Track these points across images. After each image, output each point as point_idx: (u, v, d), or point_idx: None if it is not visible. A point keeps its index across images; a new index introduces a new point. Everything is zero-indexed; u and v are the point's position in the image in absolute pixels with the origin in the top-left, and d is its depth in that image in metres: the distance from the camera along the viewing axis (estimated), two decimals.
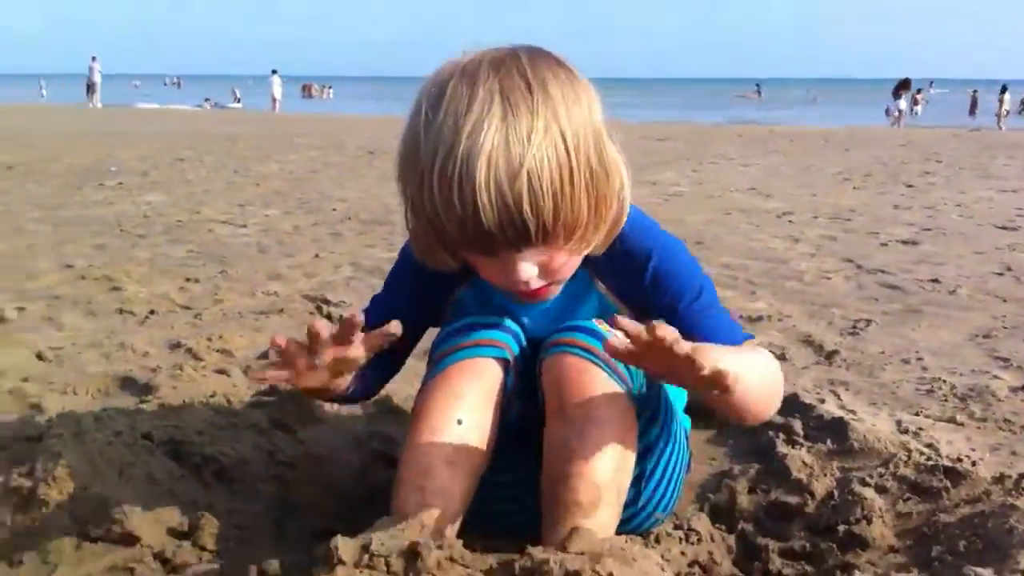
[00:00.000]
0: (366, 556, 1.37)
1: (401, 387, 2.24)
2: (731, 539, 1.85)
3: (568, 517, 1.52)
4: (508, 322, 1.69)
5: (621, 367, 1.61)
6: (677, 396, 1.92)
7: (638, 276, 1.64)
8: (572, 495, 1.52)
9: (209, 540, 1.73)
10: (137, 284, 3.94)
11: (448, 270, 1.61)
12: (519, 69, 1.41)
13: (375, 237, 5.53)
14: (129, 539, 1.68)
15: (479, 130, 1.35)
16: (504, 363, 1.65)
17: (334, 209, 6.83)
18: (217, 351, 2.95)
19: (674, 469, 1.82)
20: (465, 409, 1.58)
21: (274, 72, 36.76)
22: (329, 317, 3.46)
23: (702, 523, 1.84)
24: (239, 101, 42.69)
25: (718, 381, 1.32)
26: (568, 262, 1.53)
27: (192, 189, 8.01)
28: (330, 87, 65.09)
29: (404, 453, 1.59)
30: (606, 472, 1.54)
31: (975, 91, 40.70)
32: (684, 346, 1.27)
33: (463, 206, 1.36)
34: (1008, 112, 29.02)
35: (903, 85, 30.18)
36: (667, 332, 1.25)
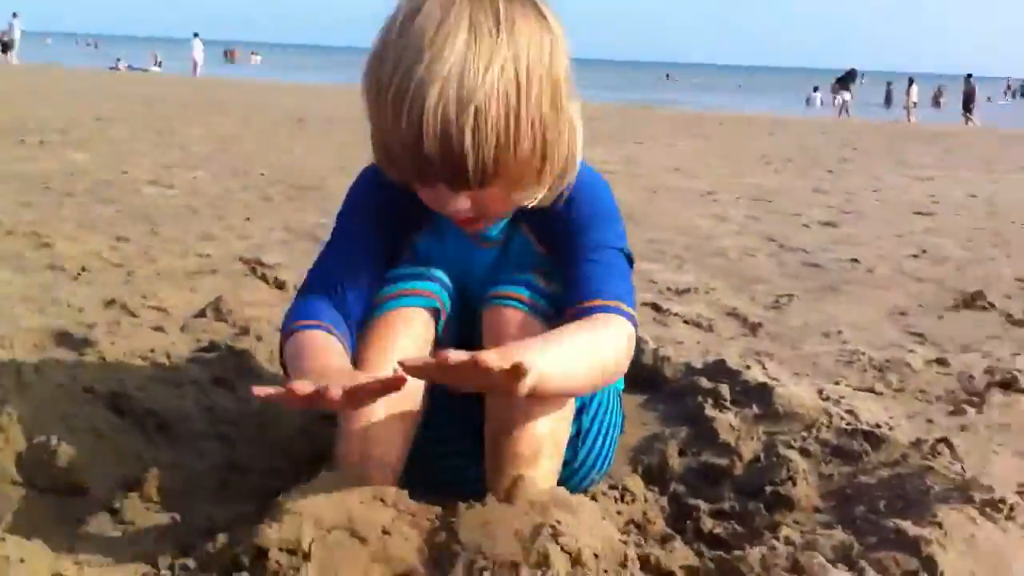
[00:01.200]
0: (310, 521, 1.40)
1: None
2: (663, 500, 1.91)
3: (511, 468, 1.55)
4: (437, 272, 1.70)
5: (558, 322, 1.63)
6: None
7: (566, 210, 1.66)
8: (514, 446, 1.55)
9: (156, 493, 1.75)
10: (67, 241, 3.88)
11: (405, 211, 1.66)
12: (494, 7, 1.43)
13: (306, 203, 5.52)
14: (77, 490, 1.70)
15: (438, 56, 1.37)
16: (434, 312, 1.67)
17: (262, 174, 6.78)
18: (152, 308, 2.94)
19: (608, 429, 1.87)
20: (399, 356, 1.58)
21: (195, 35, 36.00)
22: (264, 278, 3.46)
23: (636, 484, 1.90)
24: (159, 65, 41.69)
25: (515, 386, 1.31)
26: (503, 202, 1.55)
27: (117, 149, 7.87)
28: (258, 53, 63.98)
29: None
30: (546, 424, 1.57)
31: (889, 83, 41.62)
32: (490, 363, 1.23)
33: (409, 127, 1.39)
34: (916, 104, 29.72)
35: (849, 76, 30.77)
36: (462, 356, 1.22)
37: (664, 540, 1.70)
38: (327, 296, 1.69)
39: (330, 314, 1.65)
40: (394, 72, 1.40)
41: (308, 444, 2.10)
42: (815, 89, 40.64)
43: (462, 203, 1.50)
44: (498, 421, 1.59)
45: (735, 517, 1.85)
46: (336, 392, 1.28)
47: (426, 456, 1.67)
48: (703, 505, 1.90)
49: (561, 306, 1.64)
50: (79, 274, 3.36)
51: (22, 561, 1.40)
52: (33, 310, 2.87)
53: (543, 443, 1.57)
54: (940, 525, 1.54)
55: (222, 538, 1.47)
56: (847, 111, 29.19)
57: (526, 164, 1.48)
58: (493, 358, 1.24)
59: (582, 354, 1.51)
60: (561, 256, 1.69)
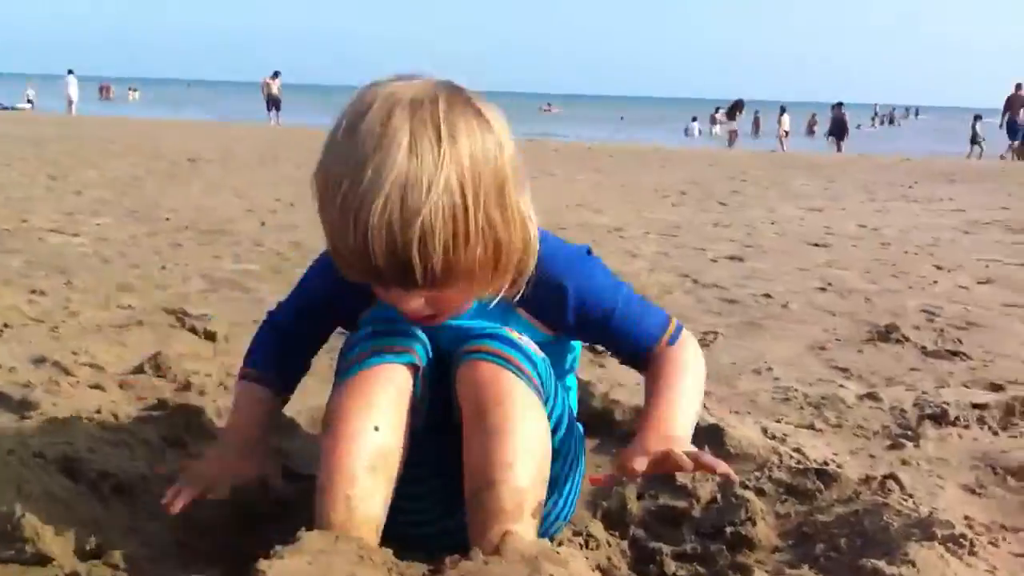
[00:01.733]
0: None
1: (291, 402, 2.25)
2: (624, 544, 1.94)
3: (496, 524, 1.56)
4: (416, 330, 1.72)
5: (533, 374, 1.67)
6: (572, 400, 2.01)
7: (560, 311, 1.73)
8: (498, 502, 1.57)
9: (120, 559, 1.71)
10: None
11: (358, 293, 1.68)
12: (433, 115, 1.44)
13: (219, 248, 5.45)
14: (42, 559, 1.66)
15: (380, 171, 1.39)
16: (413, 369, 1.69)
17: (167, 218, 6.67)
18: (86, 365, 2.88)
19: (574, 476, 1.91)
20: (380, 415, 1.61)
21: (70, 72, 35.14)
22: (193, 330, 3.40)
23: (598, 529, 1.93)
24: (31, 103, 40.35)
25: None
26: (458, 299, 1.59)
27: (9, 195, 7.64)
28: (135, 89, 62.61)
29: (322, 461, 1.60)
30: (528, 478, 1.59)
31: (756, 112, 42.84)
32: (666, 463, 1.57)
33: (355, 240, 1.41)
34: (788, 133, 30.56)
35: (736, 107, 31.56)
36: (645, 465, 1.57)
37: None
38: (285, 332, 1.95)
39: (278, 359, 1.90)
40: (340, 181, 1.42)
41: (267, 502, 2.08)
42: (693, 119, 41.68)
43: (415, 303, 1.54)
44: (480, 477, 1.59)
45: (697, 559, 1.88)
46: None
47: (399, 510, 1.67)
48: (665, 548, 1.93)
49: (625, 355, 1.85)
50: (1, 331, 3.26)
51: None
52: None
53: (526, 495, 1.59)
54: (913, 564, 1.60)
55: None
56: (734, 141, 29.94)
57: (479, 265, 1.50)
58: (684, 461, 1.54)
59: (696, 392, 1.79)
60: (585, 334, 1.86)
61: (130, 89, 61.76)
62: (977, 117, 28.73)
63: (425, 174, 1.39)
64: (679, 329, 1.81)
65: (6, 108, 34.69)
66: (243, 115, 36.33)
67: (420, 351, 1.71)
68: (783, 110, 31.51)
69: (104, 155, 12.87)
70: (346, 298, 1.78)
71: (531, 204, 1.59)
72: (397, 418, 1.64)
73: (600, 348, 3.28)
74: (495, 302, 1.70)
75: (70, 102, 33.91)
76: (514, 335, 1.70)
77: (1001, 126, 25.09)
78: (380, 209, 1.38)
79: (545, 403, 1.69)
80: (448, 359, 1.72)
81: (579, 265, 1.76)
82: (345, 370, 1.69)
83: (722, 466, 1.55)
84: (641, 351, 1.79)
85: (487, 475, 1.58)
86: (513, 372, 1.64)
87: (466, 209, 1.43)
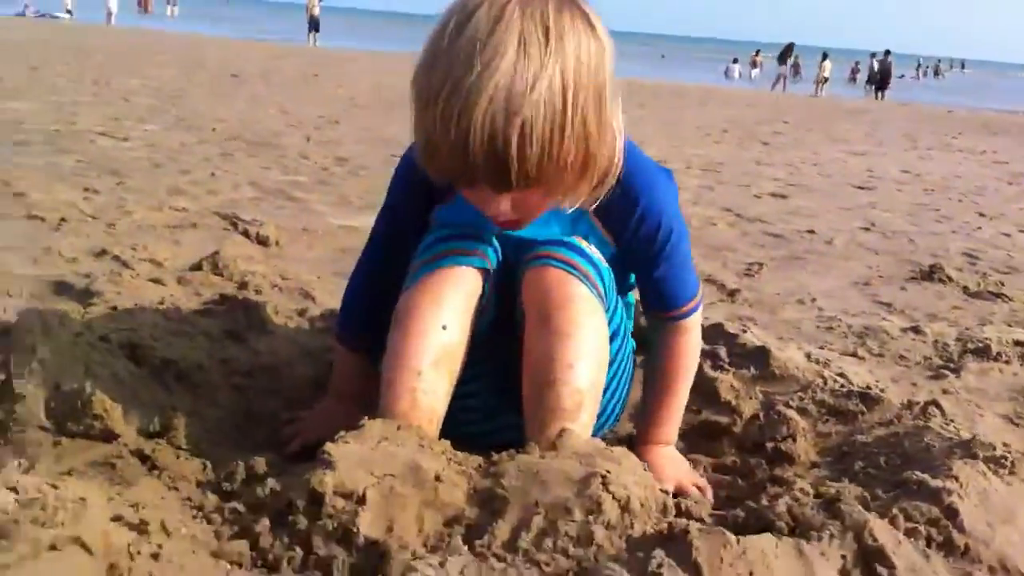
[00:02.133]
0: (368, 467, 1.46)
1: None
2: None
3: (554, 421, 1.61)
4: (487, 234, 1.76)
5: (599, 282, 1.72)
6: (629, 316, 2.06)
7: (624, 222, 1.76)
8: (558, 400, 1.62)
9: (183, 440, 1.78)
10: (39, 192, 3.83)
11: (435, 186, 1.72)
12: (543, 15, 1.46)
13: (268, 159, 5.50)
14: (108, 435, 1.72)
15: (488, 68, 1.41)
16: (484, 272, 1.73)
17: (214, 129, 6.71)
18: (145, 260, 2.94)
19: (624, 385, 1.97)
20: (449, 315, 1.66)
21: None
22: (246, 234, 3.47)
23: None
24: (70, 12, 40.14)
25: None
26: (543, 204, 1.61)
27: (59, 99, 7.70)
28: (175, 3, 62.22)
29: (390, 354, 1.66)
30: (587, 379, 1.64)
31: (796, 56, 42.23)
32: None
33: (456, 135, 1.43)
34: (827, 79, 30.03)
35: (787, 50, 31.15)
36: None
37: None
38: (374, 277, 1.97)
39: (371, 319, 1.89)
40: (444, 81, 1.43)
41: (320, 395, 2.15)
42: (734, 61, 41.12)
43: (504, 205, 1.56)
44: (541, 375, 1.64)
45: (737, 472, 1.94)
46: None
47: (457, 407, 1.72)
48: (704, 460, 1.99)
49: (643, 300, 1.89)
50: (60, 224, 3.33)
51: (83, 500, 1.42)
52: (24, 259, 2.85)
53: (585, 396, 1.64)
54: (956, 478, 1.64)
55: (272, 483, 1.51)
56: (784, 84, 29.50)
57: (569, 171, 1.52)
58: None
59: (682, 394, 1.94)
60: (636, 263, 1.85)
61: (169, 3, 61.36)
62: None
63: (531, 73, 1.42)
64: (699, 305, 1.89)
65: (44, 15, 34.60)
66: (281, 34, 36.19)
67: (491, 255, 1.75)
68: (825, 56, 31.03)
69: (148, 65, 12.89)
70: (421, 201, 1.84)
71: (621, 118, 1.62)
72: (464, 318, 1.69)
73: None
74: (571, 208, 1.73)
75: (109, 13, 33.77)
76: (583, 244, 1.74)
77: None
78: (485, 105, 1.40)
79: (606, 312, 1.74)
80: (515, 263, 1.76)
81: (659, 188, 1.79)
82: (417, 270, 1.73)
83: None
84: (662, 308, 1.86)
85: (549, 374, 1.63)
86: (579, 278, 1.68)
87: (565, 111, 1.45)
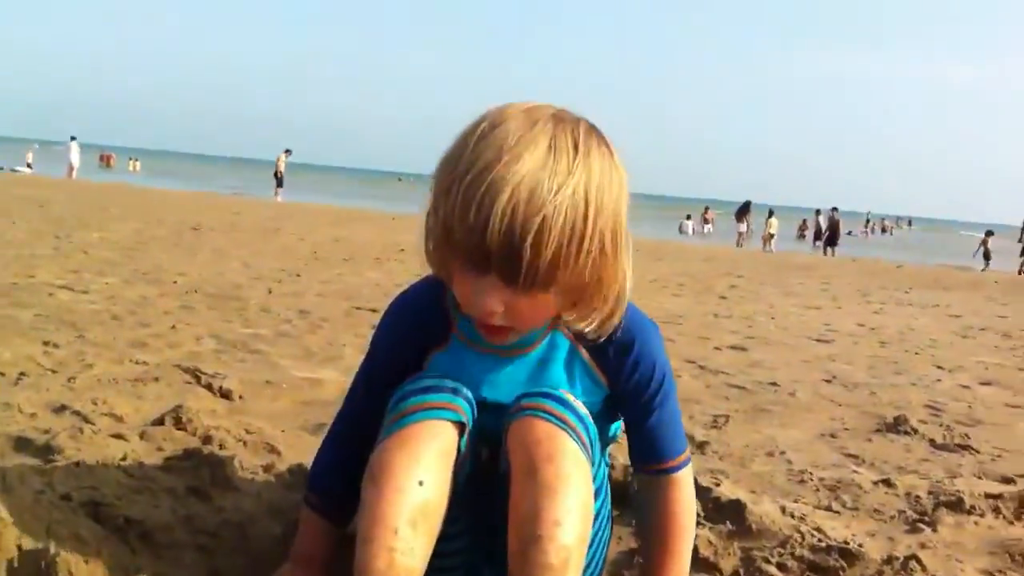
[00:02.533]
0: None
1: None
2: None
3: None
4: (463, 388, 1.74)
5: (585, 436, 1.69)
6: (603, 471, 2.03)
7: (619, 364, 1.77)
8: (544, 557, 1.56)
9: None
10: None
11: (431, 332, 1.75)
12: (574, 131, 1.53)
13: (229, 312, 5.47)
14: None
15: (519, 160, 1.46)
16: (460, 426, 1.70)
17: (175, 281, 6.69)
18: (106, 415, 2.88)
19: (605, 542, 1.93)
20: (425, 471, 1.61)
21: (73, 138, 35.52)
22: (209, 388, 3.42)
23: None
24: (30, 166, 40.46)
25: None
26: (535, 315, 1.61)
27: (17, 252, 7.66)
28: (136, 160, 63.07)
29: (365, 512, 1.60)
30: (574, 535, 1.59)
31: (747, 202, 43.51)
32: None
33: (476, 217, 1.45)
34: (773, 236, 30.82)
35: (745, 208, 31.96)
36: None
37: None
38: (350, 436, 1.91)
39: (343, 476, 1.85)
40: (471, 168, 1.48)
41: (287, 553, 2.09)
42: (687, 217, 42.18)
43: (497, 304, 1.55)
44: (528, 530, 1.59)
45: None
46: None
47: (434, 567, 1.66)
48: None
49: (631, 448, 1.86)
50: (19, 379, 3.27)
51: None
52: None
53: (572, 553, 1.60)
54: None
55: None
56: (742, 242, 30.11)
57: (577, 284, 1.55)
58: None
59: (687, 556, 1.86)
60: (628, 408, 1.83)
61: (131, 159, 62.15)
62: (989, 233, 29.17)
63: (559, 175, 1.47)
64: (690, 459, 1.88)
65: (2, 169, 34.82)
66: (242, 189, 36.65)
67: (466, 409, 1.72)
68: (771, 213, 31.94)
69: (107, 219, 12.94)
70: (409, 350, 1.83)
71: (630, 261, 1.65)
72: (442, 474, 1.65)
73: None
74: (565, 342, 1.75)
75: (71, 168, 34.14)
76: (569, 397, 1.72)
77: (1020, 240, 26.46)
78: (509, 194, 1.44)
79: (591, 466, 1.72)
80: (495, 418, 1.74)
81: (651, 333, 1.82)
82: (391, 424, 1.70)
83: None
84: (658, 459, 1.83)
85: (536, 530, 1.58)
86: (567, 432, 1.66)
87: (586, 222, 1.49)
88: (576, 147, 1.51)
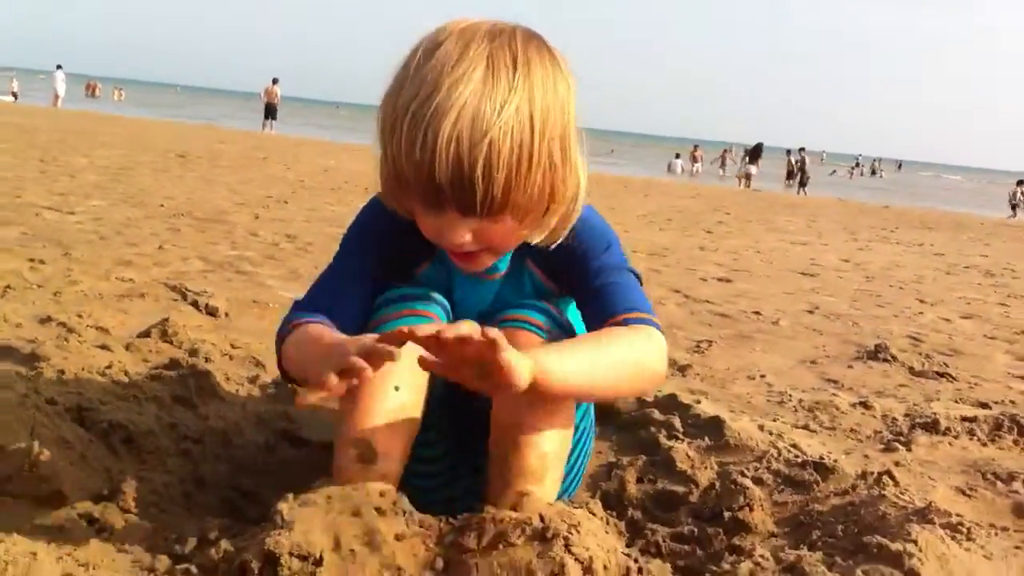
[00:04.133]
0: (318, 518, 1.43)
1: None
2: (621, 525, 1.95)
3: (519, 483, 1.60)
4: (436, 294, 1.75)
5: None
6: None
7: (570, 256, 1.72)
8: (523, 462, 1.60)
9: (132, 504, 1.74)
10: None
11: (409, 243, 1.70)
12: (511, 44, 1.49)
13: (216, 235, 5.47)
14: (56, 497, 1.68)
15: (457, 87, 1.42)
16: None
17: (162, 205, 6.69)
18: (92, 327, 2.90)
19: (584, 455, 1.95)
20: (401, 376, 1.62)
21: (59, 67, 35.12)
22: (195, 305, 3.43)
23: (597, 508, 1.96)
24: (14, 95, 39.87)
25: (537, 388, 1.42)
26: (505, 237, 1.59)
27: (2, 174, 7.63)
28: (121, 89, 62.34)
29: (344, 416, 1.62)
30: (554, 443, 1.63)
31: (724, 150, 43.32)
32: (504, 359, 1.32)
33: (422, 153, 1.42)
34: (750, 175, 30.61)
35: (757, 150, 31.77)
36: (478, 332, 1.32)
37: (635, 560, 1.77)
38: (320, 310, 1.71)
39: (323, 319, 1.68)
40: (411, 101, 1.44)
41: (270, 461, 2.12)
42: (676, 156, 41.96)
43: (464, 235, 1.53)
44: (509, 438, 1.62)
45: (694, 541, 1.91)
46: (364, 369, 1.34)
47: (415, 473, 1.69)
48: (662, 529, 1.97)
49: (588, 325, 1.71)
50: (4, 291, 3.28)
51: (35, 556, 1.39)
52: None
53: (550, 460, 1.63)
54: (916, 543, 1.64)
55: (226, 544, 1.48)
56: (748, 183, 29.96)
57: (533, 201, 1.52)
58: (468, 329, 1.32)
59: (606, 353, 1.58)
60: (575, 284, 1.74)
61: (115, 89, 61.41)
62: (1020, 182, 28.79)
63: (499, 97, 1.43)
64: (660, 328, 1.70)
65: None
66: (231, 121, 36.33)
67: (439, 313, 1.73)
68: (747, 152, 31.85)
69: (93, 145, 12.84)
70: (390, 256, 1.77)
71: (584, 159, 1.61)
72: (418, 380, 1.65)
73: None
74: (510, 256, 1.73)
75: (56, 97, 33.77)
76: (551, 307, 1.73)
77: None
78: (451, 125, 1.40)
79: None
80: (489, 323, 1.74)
81: (596, 219, 1.77)
82: (369, 332, 1.71)
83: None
84: (610, 314, 1.66)
85: (516, 437, 1.61)
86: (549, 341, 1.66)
87: (533, 137, 1.46)
88: (515, 61, 1.47)
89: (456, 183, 1.44)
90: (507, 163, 1.44)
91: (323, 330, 1.60)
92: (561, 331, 1.70)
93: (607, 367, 1.58)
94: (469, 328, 1.33)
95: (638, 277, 1.78)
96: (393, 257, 1.78)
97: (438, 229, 1.55)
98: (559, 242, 1.69)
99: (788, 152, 32.12)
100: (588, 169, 1.64)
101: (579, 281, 1.72)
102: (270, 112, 30.26)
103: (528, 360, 1.39)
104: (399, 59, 1.53)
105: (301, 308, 1.73)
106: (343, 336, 1.53)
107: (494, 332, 1.32)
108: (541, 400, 1.59)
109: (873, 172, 65.86)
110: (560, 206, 1.59)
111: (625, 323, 1.64)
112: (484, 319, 1.72)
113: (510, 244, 1.65)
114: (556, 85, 1.52)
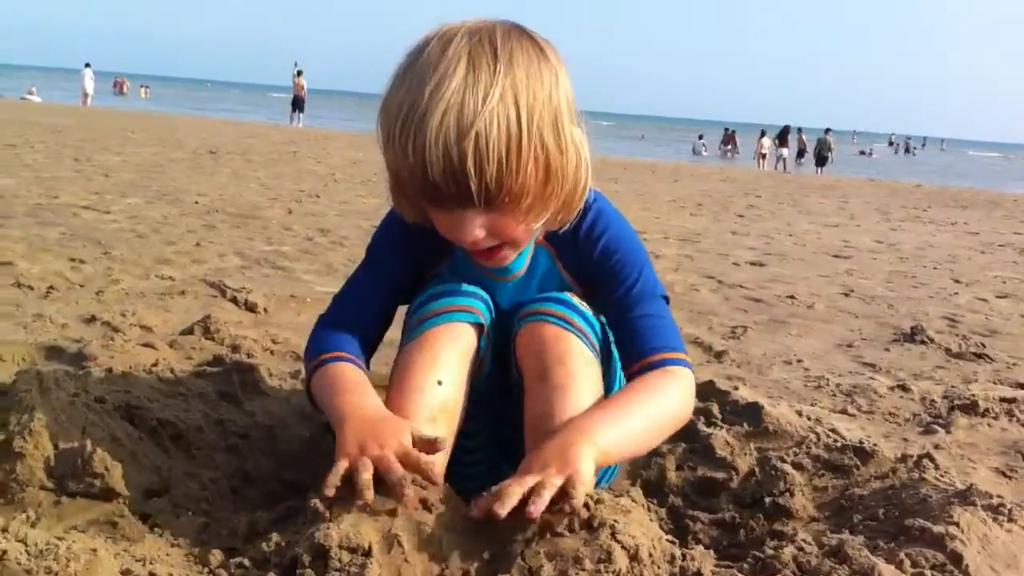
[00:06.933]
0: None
1: None
2: (663, 512, 1.99)
3: None
4: (480, 290, 1.77)
5: (593, 337, 1.73)
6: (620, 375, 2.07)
7: (590, 250, 1.76)
8: None
9: (182, 500, 1.78)
10: (26, 261, 3.84)
11: (429, 246, 1.74)
12: (491, 38, 1.52)
13: (251, 230, 5.53)
14: (109, 494, 1.71)
15: (440, 87, 1.46)
16: (478, 328, 1.74)
17: (196, 202, 6.75)
18: (136, 326, 2.95)
19: None
20: (444, 370, 1.66)
21: (87, 65, 35.24)
22: (235, 301, 3.48)
23: (637, 495, 1.98)
24: (31, 94, 39.86)
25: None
26: (520, 229, 1.61)
27: (38, 174, 7.73)
28: (147, 86, 62.72)
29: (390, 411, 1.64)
30: None
31: (732, 131, 42.91)
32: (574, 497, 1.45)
33: (415, 157, 1.47)
34: (766, 155, 30.37)
35: (785, 132, 31.61)
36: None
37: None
38: (349, 322, 1.80)
39: (352, 346, 1.75)
40: (400, 108, 1.49)
41: (315, 455, 2.15)
42: (700, 138, 41.68)
43: (474, 229, 1.56)
44: (541, 429, 1.64)
45: (736, 527, 1.93)
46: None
47: (457, 462, 1.72)
48: (703, 516, 1.99)
49: (620, 351, 1.77)
50: (48, 292, 3.34)
51: (95, 552, 1.42)
52: (14, 326, 2.85)
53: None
54: (958, 525, 1.66)
55: (276, 537, 1.51)
56: (784, 165, 29.78)
57: (531, 187, 1.54)
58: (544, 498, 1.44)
59: (653, 417, 1.68)
60: (608, 305, 1.78)
61: (141, 86, 61.76)
62: None
63: (481, 88, 1.46)
64: (689, 366, 1.76)
65: (3, 97, 34.50)
66: (255, 115, 36.47)
67: (484, 310, 1.76)
68: (763, 133, 31.64)
69: (125, 143, 12.97)
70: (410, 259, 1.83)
71: (587, 141, 1.64)
72: (461, 373, 1.69)
73: None
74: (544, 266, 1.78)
75: (85, 95, 33.92)
76: (575, 299, 1.75)
77: None
78: (438, 123, 1.44)
79: (600, 364, 1.75)
80: (508, 322, 1.78)
81: (625, 230, 1.81)
82: (413, 327, 1.74)
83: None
84: (643, 353, 1.72)
85: (547, 426, 1.63)
86: (574, 333, 1.70)
87: (519, 124, 1.48)
88: (495, 53, 1.50)
89: (450, 178, 1.47)
90: (497, 151, 1.47)
91: (349, 384, 1.67)
92: (583, 322, 1.73)
93: (652, 429, 1.71)
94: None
95: (666, 299, 1.81)
96: (414, 260, 1.83)
97: (450, 227, 1.59)
98: (581, 238, 1.74)
99: (799, 131, 32.03)
100: (590, 149, 1.66)
101: (614, 307, 1.77)
102: (297, 105, 30.14)
103: (590, 455, 1.52)
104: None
105: (326, 325, 1.83)
106: (368, 407, 1.61)
107: (572, 500, 1.44)
108: (571, 387, 1.64)
109: (907, 150, 65.08)
110: (561, 187, 1.61)
111: (661, 363, 1.70)
112: (503, 320, 1.79)
113: (525, 236, 1.66)
114: (541, 71, 1.54)
